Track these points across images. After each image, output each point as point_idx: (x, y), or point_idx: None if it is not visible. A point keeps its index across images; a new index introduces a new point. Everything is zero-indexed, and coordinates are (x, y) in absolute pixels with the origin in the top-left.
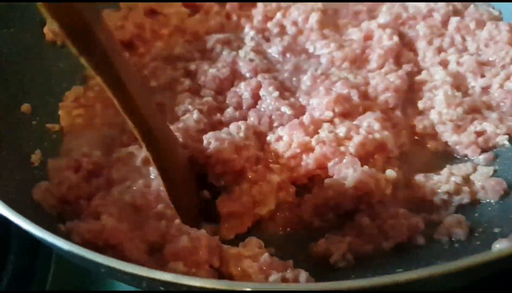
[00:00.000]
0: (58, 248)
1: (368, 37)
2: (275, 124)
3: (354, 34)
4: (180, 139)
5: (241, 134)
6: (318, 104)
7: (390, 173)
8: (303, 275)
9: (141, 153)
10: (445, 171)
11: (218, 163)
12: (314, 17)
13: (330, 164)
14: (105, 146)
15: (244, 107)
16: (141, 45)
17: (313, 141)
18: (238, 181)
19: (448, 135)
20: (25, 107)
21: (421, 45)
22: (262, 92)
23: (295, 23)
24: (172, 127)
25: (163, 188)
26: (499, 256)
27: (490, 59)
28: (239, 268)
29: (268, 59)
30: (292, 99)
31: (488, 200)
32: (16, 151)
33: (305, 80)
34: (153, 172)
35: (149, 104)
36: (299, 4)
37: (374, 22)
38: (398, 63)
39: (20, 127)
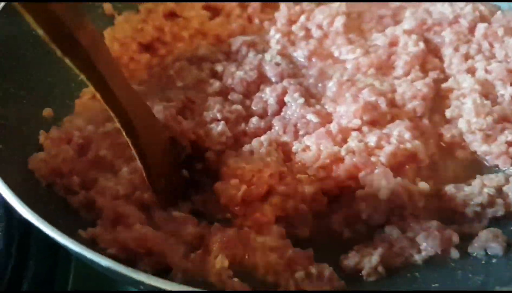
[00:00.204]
0: (97, 264)
1: (393, 43)
2: (300, 132)
3: (379, 39)
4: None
5: (263, 150)
6: (346, 112)
7: (423, 185)
8: (327, 271)
9: None
10: (476, 182)
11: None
12: (339, 21)
13: (361, 174)
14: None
15: (269, 114)
16: (161, 47)
17: (343, 151)
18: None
19: (478, 145)
20: (47, 111)
21: (447, 51)
22: (287, 99)
23: (319, 26)
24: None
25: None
26: None
27: None
28: (264, 261)
29: (294, 63)
30: (317, 107)
31: None
32: None
33: (331, 86)
34: None
35: (130, 97)
36: (323, 7)
37: (399, 27)
38: (424, 70)
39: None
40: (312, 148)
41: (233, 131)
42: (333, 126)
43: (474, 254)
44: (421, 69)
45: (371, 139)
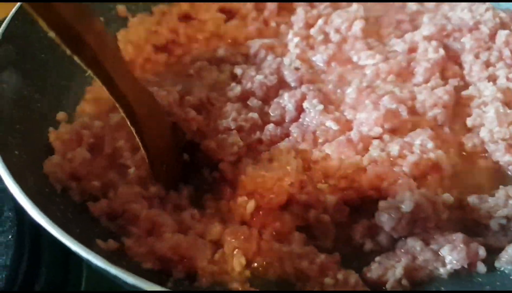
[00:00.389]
0: (123, 281)
1: (412, 49)
2: (320, 140)
3: (398, 45)
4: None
5: (282, 158)
6: (366, 120)
7: (447, 197)
8: (353, 277)
9: None
10: (501, 193)
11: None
12: (357, 25)
13: (383, 185)
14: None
15: (287, 120)
16: (177, 48)
17: (365, 161)
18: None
19: (500, 155)
20: (61, 115)
21: (467, 58)
22: (306, 105)
23: (338, 30)
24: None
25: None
26: None
27: None
28: (295, 269)
29: (313, 68)
30: (337, 113)
31: None
32: None
33: (350, 92)
34: None
35: (135, 89)
36: (340, 11)
37: (418, 33)
38: (444, 77)
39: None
40: (333, 156)
41: (246, 141)
42: (354, 135)
43: (501, 269)
44: (441, 76)
45: (393, 149)
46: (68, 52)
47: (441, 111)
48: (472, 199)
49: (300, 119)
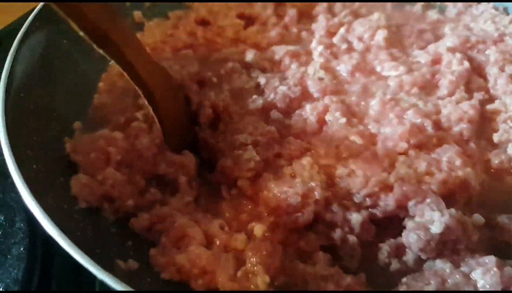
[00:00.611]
0: None
1: (436, 61)
2: (343, 155)
3: (422, 57)
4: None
5: (305, 173)
6: (391, 134)
7: (478, 218)
8: None
9: None
10: None
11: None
12: (380, 34)
13: (410, 203)
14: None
15: (308, 133)
16: (199, 48)
17: (392, 179)
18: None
19: None
20: (77, 124)
21: (492, 71)
22: (328, 117)
23: (361, 39)
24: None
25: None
26: None
27: None
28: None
29: (337, 78)
30: (360, 127)
31: None
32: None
33: (374, 105)
34: None
35: (153, 72)
36: (361, 20)
37: (441, 44)
38: (469, 90)
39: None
40: (358, 173)
41: (263, 155)
42: (379, 150)
43: None
44: (466, 89)
45: (421, 165)
46: (95, 46)
47: (467, 127)
48: (501, 219)
49: (322, 132)
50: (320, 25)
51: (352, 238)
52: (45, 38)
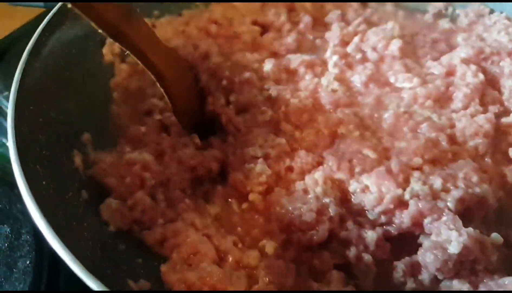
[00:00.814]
0: None
1: (450, 73)
2: (356, 170)
3: (435, 68)
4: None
5: (318, 189)
6: (406, 149)
7: (496, 237)
8: None
9: None
10: None
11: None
12: (395, 44)
13: (426, 221)
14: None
15: (319, 146)
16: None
17: (407, 195)
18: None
19: None
20: (86, 136)
21: (507, 83)
22: (341, 130)
23: (375, 49)
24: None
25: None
26: None
27: None
28: None
29: (351, 89)
30: (374, 140)
31: None
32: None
33: (387, 118)
34: None
35: (165, 57)
36: (375, 29)
37: (455, 55)
38: (483, 103)
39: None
40: (372, 189)
41: (275, 168)
42: (393, 165)
43: None
44: (480, 102)
45: (436, 182)
46: (111, 40)
47: (482, 141)
48: None
49: (334, 146)
50: (334, 34)
51: (367, 257)
52: (55, 48)
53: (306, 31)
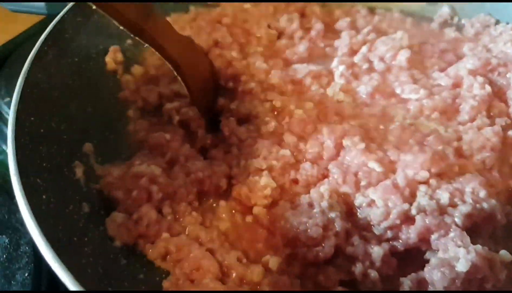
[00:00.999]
0: None
1: (457, 84)
2: (362, 183)
3: (442, 79)
4: None
5: (324, 203)
6: (412, 162)
7: (505, 254)
8: None
9: None
10: None
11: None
12: (404, 55)
13: (433, 237)
14: None
15: (324, 158)
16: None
17: (413, 210)
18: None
19: None
20: (87, 146)
21: None
22: (346, 142)
23: (382, 59)
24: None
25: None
26: None
27: None
28: None
29: (356, 100)
30: (379, 153)
31: None
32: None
33: (393, 130)
34: None
35: (181, 48)
36: (384, 38)
37: (462, 67)
38: (490, 116)
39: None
40: (379, 203)
41: (279, 181)
42: (399, 179)
43: None
44: (487, 114)
45: (443, 197)
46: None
47: (489, 155)
48: None
49: (340, 158)
50: (343, 42)
51: (373, 273)
52: (58, 57)
53: (317, 39)
